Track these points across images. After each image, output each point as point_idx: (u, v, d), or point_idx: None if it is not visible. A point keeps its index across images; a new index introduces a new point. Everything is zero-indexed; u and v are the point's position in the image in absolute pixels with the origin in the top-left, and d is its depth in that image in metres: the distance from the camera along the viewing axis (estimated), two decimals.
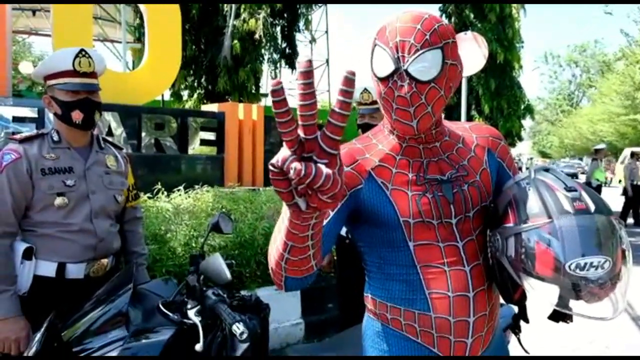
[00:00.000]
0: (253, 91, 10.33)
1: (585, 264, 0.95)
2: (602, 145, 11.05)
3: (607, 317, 1.01)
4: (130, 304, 1.60)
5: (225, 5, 9.80)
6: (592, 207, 0.99)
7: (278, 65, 11.77)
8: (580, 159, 40.09)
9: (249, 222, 3.60)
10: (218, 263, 1.69)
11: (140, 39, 10.29)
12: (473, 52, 5.91)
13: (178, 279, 2.30)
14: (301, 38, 13.68)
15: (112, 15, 14.08)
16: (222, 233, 1.91)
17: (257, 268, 3.47)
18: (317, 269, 0.96)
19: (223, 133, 5.68)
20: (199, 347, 1.53)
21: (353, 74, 0.64)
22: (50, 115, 1.96)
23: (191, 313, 1.62)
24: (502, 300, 1.18)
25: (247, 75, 9.64)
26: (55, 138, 1.88)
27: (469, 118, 12.06)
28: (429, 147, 1.15)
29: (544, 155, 57.80)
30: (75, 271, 1.84)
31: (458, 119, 8.52)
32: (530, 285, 1.02)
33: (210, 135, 5.62)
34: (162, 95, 8.03)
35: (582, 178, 15.98)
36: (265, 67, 11.59)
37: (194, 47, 10.05)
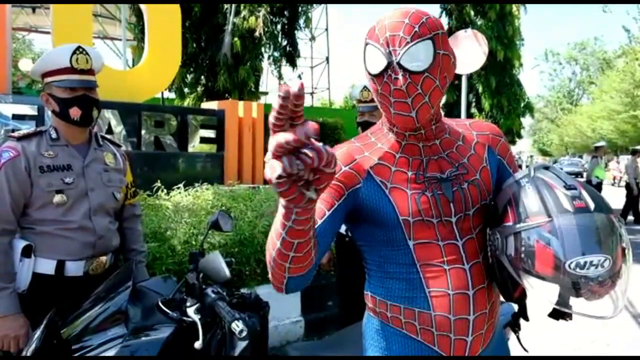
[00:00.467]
0: (253, 89, 10.31)
1: (585, 262, 0.94)
2: (602, 143, 11.01)
3: (607, 316, 1.01)
4: (129, 302, 1.60)
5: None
6: (592, 206, 0.99)
7: (278, 63, 11.75)
8: (580, 157, 40.06)
9: (248, 220, 3.60)
10: (218, 261, 1.69)
11: (137, 37, 10.26)
12: (473, 49, 5.91)
13: (177, 276, 2.30)
14: (301, 36, 13.68)
15: (112, 12, 14.06)
16: (222, 231, 1.91)
17: (256, 266, 3.47)
18: (316, 262, 0.95)
19: (223, 131, 5.68)
20: (198, 344, 1.53)
21: (288, 92, 0.62)
22: (49, 113, 1.95)
23: (190, 311, 1.61)
24: (502, 298, 1.18)
25: (247, 73, 9.61)
26: (54, 135, 1.88)
27: (469, 115, 12.07)
28: (429, 145, 1.15)
29: (544, 153, 57.83)
30: (74, 269, 1.84)
31: (458, 116, 8.52)
32: (530, 284, 1.01)
33: (210, 133, 5.62)
34: (162, 93, 8.02)
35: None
36: (266, 65, 11.58)
37: (194, 44, 10.03)
